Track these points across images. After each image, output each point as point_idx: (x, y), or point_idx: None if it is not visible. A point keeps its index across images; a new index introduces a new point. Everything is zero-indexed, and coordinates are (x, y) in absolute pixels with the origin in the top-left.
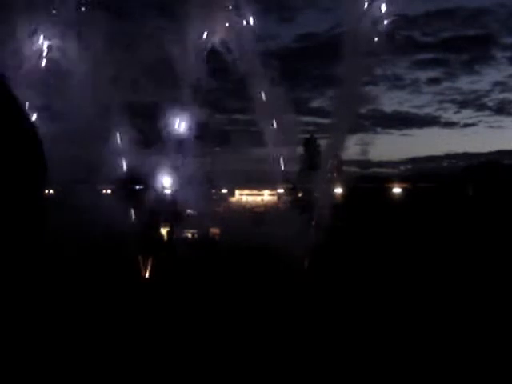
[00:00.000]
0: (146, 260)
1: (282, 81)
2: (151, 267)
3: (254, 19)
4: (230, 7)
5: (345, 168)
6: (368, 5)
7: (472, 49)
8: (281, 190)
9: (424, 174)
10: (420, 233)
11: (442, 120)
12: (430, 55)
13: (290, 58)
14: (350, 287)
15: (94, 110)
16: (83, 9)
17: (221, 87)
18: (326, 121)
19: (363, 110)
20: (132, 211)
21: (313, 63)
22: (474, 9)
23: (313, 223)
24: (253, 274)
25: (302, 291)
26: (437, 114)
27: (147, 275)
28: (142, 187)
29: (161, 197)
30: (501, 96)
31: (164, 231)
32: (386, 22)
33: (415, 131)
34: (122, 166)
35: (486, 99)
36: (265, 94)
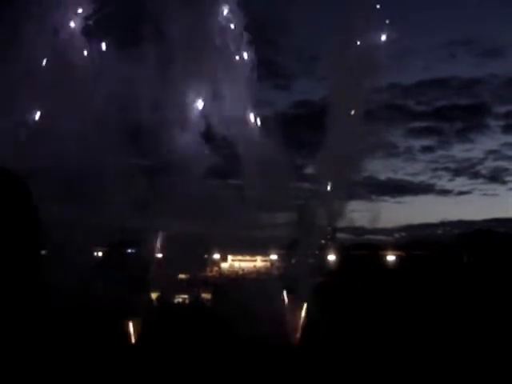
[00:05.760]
0: (134, 325)
1: (276, 147)
2: (139, 333)
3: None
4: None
5: (339, 235)
6: (361, 76)
7: (465, 117)
8: (274, 257)
9: (418, 241)
10: (415, 303)
11: (437, 188)
12: (424, 123)
13: (285, 124)
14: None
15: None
16: None
17: (215, 152)
18: (320, 187)
19: (358, 178)
20: (121, 275)
21: (308, 130)
22: (466, 79)
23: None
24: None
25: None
26: (431, 181)
27: (134, 341)
28: (133, 250)
29: (152, 261)
30: (494, 164)
31: (154, 296)
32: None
33: (409, 199)
34: (118, 228)
35: (479, 167)
36: (259, 159)
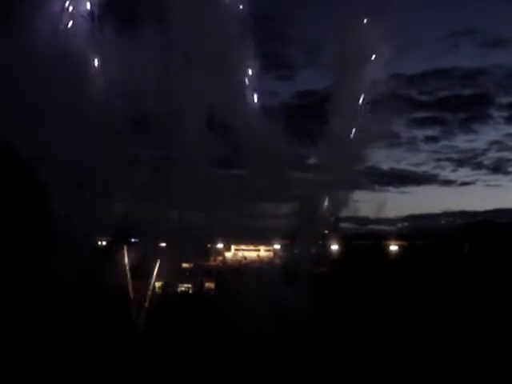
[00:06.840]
0: (139, 314)
1: (280, 137)
2: (145, 321)
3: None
4: None
5: (343, 225)
6: (364, 64)
7: (469, 108)
8: (277, 246)
9: (421, 231)
10: (417, 292)
11: (440, 178)
12: (427, 114)
13: (288, 114)
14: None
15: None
16: None
17: (220, 142)
18: (323, 177)
19: (361, 168)
20: (125, 264)
21: (312, 120)
22: (470, 69)
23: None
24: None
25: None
26: (434, 172)
27: (141, 328)
28: (137, 240)
29: (156, 250)
30: (497, 155)
31: (158, 285)
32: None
33: (412, 189)
34: (121, 217)
35: (482, 158)
36: (262, 149)
